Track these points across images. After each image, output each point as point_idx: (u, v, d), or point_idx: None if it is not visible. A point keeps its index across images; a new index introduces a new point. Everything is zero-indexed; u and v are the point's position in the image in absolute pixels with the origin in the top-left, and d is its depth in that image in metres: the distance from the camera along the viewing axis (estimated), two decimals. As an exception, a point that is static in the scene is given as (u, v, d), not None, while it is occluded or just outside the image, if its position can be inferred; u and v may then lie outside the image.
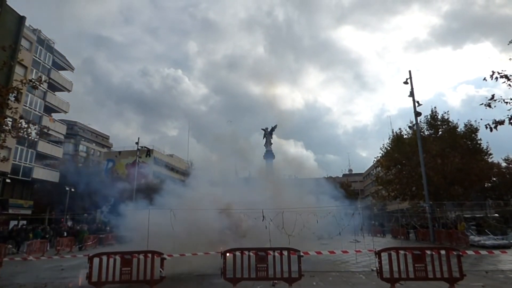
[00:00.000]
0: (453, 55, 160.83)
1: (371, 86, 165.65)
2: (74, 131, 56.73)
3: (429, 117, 30.36)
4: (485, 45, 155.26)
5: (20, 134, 12.73)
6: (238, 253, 9.04)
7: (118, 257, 8.98)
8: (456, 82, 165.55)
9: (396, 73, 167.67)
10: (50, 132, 33.87)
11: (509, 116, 9.68)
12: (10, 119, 13.53)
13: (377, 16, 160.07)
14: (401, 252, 8.62)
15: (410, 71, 24.44)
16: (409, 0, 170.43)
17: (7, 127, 12.49)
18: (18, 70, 30.69)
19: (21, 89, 12.00)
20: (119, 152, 59.60)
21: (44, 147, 36.13)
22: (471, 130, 29.20)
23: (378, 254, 8.65)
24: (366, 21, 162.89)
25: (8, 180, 30.89)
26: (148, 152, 58.47)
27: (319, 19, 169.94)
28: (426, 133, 30.21)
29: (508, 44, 10.02)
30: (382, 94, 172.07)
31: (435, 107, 30.83)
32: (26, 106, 32.93)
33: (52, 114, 40.09)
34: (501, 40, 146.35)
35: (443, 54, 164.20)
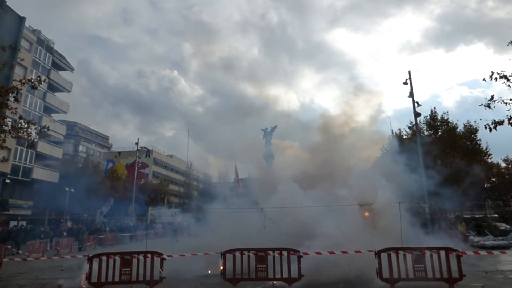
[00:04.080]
0: (447, 57, 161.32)
1: (366, 87, 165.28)
2: (74, 131, 56.68)
3: (428, 117, 30.37)
4: (478, 46, 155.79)
5: (20, 134, 12.71)
6: (237, 254, 9.05)
7: (118, 258, 8.99)
8: (450, 83, 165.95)
9: (390, 75, 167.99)
10: (50, 132, 33.87)
11: (509, 117, 9.68)
12: (10, 120, 13.54)
13: (370, 19, 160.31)
14: (401, 252, 8.63)
15: (409, 72, 24.31)
16: (402, 3, 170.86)
17: (7, 128, 12.49)
18: (18, 70, 30.70)
19: (21, 89, 12.01)
20: (119, 153, 59.66)
21: (43, 147, 36.11)
22: (471, 131, 29.20)
23: (377, 254, 8.65)
24: (359, 24, 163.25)
25: (7, 181, 30.89)
26: (148, 152, 58.53)
27: (312, 21, 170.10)
28: (425, 133, 30.20)
29: (508, 45, 10.03)
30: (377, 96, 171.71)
31: (434, 108, 30.86)
32: (26, 106, 32.93)
33: (52, 114, 40.09)
34: (495, 41, 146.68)
35: (436, 56, 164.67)
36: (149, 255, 9.02)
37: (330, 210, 12.08)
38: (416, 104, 24.02)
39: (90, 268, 8.80)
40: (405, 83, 24.11)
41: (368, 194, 12.03)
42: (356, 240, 10.00)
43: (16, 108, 12.12)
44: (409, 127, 31.25)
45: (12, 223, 29.56)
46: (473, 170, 23.96)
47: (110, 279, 8.81)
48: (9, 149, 28.53)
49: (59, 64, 40.58)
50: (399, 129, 33.65)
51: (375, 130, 21.34)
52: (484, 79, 10.25)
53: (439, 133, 30.06)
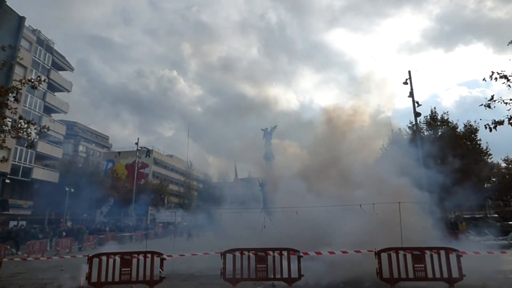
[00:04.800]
0: (446, 57, 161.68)
1: (365, 88, 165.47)
2: (73, 131, 56.67)
3: (428, 117, 30.35)
4: (477, 46, 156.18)
5: (20, 134, 12.70)
6: (237, 254, 9.04)
7: (117, 258, 8.98)
8: (449, 83, 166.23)
9: (389, 75, 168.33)
10: (49, 132, 33.86)
11: (509, 117, 9.68)
12: (10, 120, 13.52)
13: (369, 19, 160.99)
14: (401, 252, 8.62)
15: (409, 72, 24.28)
16: (400, 3, 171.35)
17: (6, 128, 12.47)
18: (18, 70, 30.70)
19: (21, 89, 11.99)
20: (119, 153, 59.59)
21: (43, 147, 36.11)
22: (471, 131, 29.18)
23: (378, 254, 8.64)
24: (358, 24, 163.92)
25: (7, 181, 30.88)
26: (148, 152, 58.53)
27: (311, 21, 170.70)
28: (425, 133, 30.18)
29: (508, 45, 10.02)
30: (375, 97, 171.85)
31: (434, 108, 30.84)
32: (25, 106, 32.93)
33: (52, 114, 40.09)
34: (494, 41, 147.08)
35: (436, 56, 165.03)
36: (149, 255, 9.01)
37: (342, 209, 11.64)
38: (416, 104, 23.99)
39: (90, 268, 8.79)
40: (405, 83, 24.09)
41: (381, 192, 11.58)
42: (374, 239, 9.77)
43: (16, 108, 12.11)
44: (409, 127, 31.20)
45: (12, 223, 29.55)
46: (475, 169, 23.89)
47: (110, 279, 8.80)
48: (9, 149, 28.53)
49: (59, 64, 40.57)
50: (399, 129, 33.64)
51: (385, 122, 20.81)
52: (484, 79, 10.24)
53: (439, 133, 30.04)
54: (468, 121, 29.79)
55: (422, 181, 15.57)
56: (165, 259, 9.03)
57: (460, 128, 29.52)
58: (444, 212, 27.12)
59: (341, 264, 9.45)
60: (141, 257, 9.02)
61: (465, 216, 26.77)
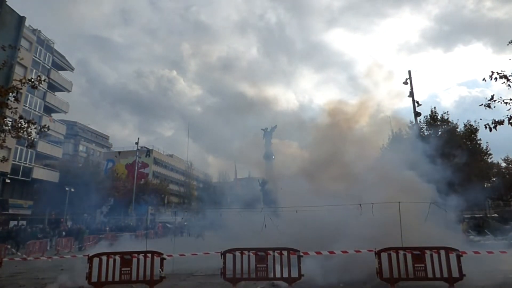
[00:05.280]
0: (445, 57, 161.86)
1: (367, 84, 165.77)
2: (73, 131, 56.62)
3: (428, 117, 30.33)
4: (476, 46, 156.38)
5: (20, 134, 12.70)
6: (238, 253, 9.04)
7: (118, 257, 8.98)
8: (449, 83, 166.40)
9: (389, 75, 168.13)
10: (50, 132, 33.86)
11: (509, 116, 9.67)
12: (10, 119, 13.52)
13: (368, 19, 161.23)
14: (401, 252, 8.62)
15: (409, 71, 24.40)
16: (400, 4, 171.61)
17: (7, 127, 12.47)
18: (18, 70, 30.70)
19: (21, 89, 11.99)
20: (119, 152, 59.60)
21: (43, 147, 36.12)
22: (471, 130, 29.17)
23: (377, 254, 8.64)
24: (357, 24, 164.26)
25: (7, 180, 30.88)
26: (148, 152, 58.55)
27: (310, 22, 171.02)
28: (426, 133, 30.16)
29: (508, 45, 10.01)
30: (376, 96, 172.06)
31: (434, 108, 30.82)
32: (26, 106, 32.93)
33: (52, 114, 40.09)
34: (493, 41, 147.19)
35: (435, 56, 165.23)
36: (149, 255, 9.01)
37: (346, 207, 11.39)
38: (416, 104, 24.02)
39: (90, 267, 8.79)
40: (405, 82, 24.16)
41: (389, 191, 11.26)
42: (379, 237, 9.65)
43: (16, 108, 12.10)
44: (409, 127, 31.17)
45: (12, 223, 29.56)
46: (475, 169, 23.72)
47: (110, 278, 8.80)
48: (9, 149, 28.52)
49: (59, 63, 40.60)
50: (399, 129, 33.60)
51: (386, 121, 20.67)
52: (484, 79, 10.23)
53: (439, 132, 30.01)
54: (468, 120, 29.83)
55: (422, 180, 15.60)
56: (165, 258, 9.03)
57: (460, 128, 29.53)
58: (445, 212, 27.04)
59: (344, 264, 9.41)
60: (141, 257, 9.03)
61: (465, 216, 26.73)
